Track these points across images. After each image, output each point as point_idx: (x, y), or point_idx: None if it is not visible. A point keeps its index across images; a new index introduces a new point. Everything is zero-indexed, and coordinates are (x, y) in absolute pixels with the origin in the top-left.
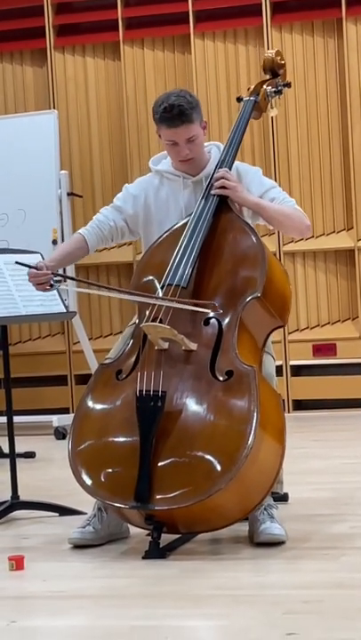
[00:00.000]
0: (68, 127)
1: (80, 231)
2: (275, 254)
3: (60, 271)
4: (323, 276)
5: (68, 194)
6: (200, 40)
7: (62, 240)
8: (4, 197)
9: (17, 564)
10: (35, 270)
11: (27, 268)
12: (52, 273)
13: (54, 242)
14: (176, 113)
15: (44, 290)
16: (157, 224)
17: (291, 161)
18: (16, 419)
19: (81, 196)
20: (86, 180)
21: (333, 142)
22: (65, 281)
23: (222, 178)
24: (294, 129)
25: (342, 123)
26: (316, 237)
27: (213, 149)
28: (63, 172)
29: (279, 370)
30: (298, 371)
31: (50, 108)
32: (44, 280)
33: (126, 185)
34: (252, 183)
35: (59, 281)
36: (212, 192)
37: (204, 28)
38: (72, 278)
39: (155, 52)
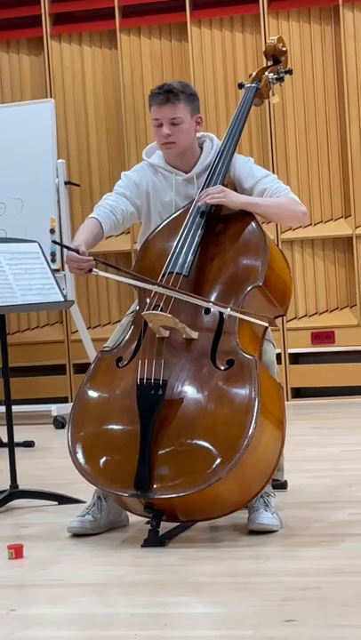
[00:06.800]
0: (65, 116)
1: (93, 215)
2: None
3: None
4: (321, 263)
5: (66, 183)
6: (197, 28)
7: (60, 230)
8: (1, 187)
9: (16, 552)
10: (76, 254)
11: (25, 258)
12: (94, 259)
13: (52, 231)
14: (165, 90)
15: (80, 275)
16: (156, 215)
17: (288, 149)
18: (15, 408)
19: (78, 185)
20: (84, 169)
21: (331, 130)
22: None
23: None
24: (292, 116)
25: (340, 110)
26: (315, 225)
27: (207, 142)
28: (60, 160)
29: (278, 358)
30: (296, 358)
31: (47, 97)
32: (86, 266)
33: (125, 173)
34: (243, 174)
35: (96, 267)
36: (199, 203)
37: (200, 16)
38: (113, 266)
39: (152, 40)
